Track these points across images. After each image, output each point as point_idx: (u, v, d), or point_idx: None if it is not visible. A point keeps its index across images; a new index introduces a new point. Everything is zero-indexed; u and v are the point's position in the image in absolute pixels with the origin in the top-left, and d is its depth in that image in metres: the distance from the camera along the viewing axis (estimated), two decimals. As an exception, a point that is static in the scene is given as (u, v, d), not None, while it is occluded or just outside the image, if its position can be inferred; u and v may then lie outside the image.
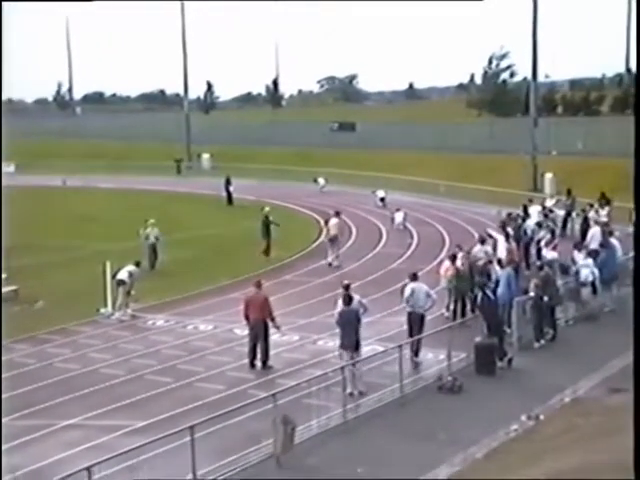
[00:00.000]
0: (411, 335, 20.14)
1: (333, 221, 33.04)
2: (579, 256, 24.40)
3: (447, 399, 17.45)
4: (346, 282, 19.11)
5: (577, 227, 35.23)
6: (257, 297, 20.08)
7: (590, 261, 23.65)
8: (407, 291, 20.47)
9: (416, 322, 20.31)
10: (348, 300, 18.12)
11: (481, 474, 13.39)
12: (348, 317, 17.93)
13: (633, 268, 23.16)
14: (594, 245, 28.50)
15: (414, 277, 20.75)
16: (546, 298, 21.08)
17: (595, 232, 30.16)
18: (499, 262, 23.30)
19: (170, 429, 13.71)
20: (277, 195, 53.59)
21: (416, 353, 19.71)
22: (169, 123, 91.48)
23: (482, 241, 26.38)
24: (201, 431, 13.59)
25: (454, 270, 23.27)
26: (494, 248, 26.43)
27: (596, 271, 23.35)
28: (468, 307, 22.73)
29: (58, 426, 16.21)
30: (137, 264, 25.40)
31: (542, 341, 20.98)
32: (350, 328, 17.82)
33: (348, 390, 16.89)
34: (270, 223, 34.39)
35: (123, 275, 24.73)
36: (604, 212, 33.52)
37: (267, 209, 35.77)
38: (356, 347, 17.82)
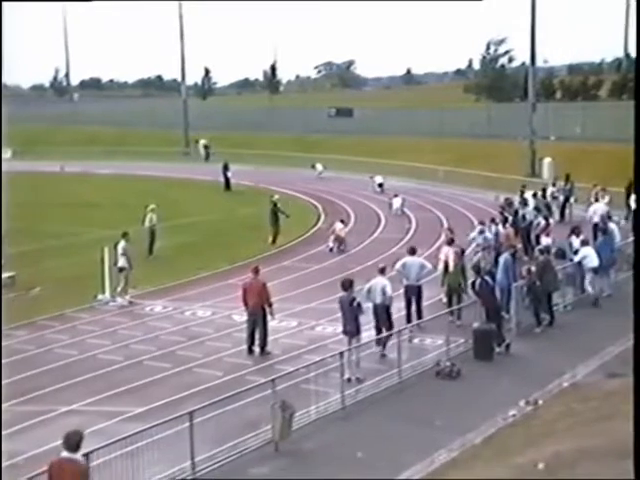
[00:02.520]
0: (409, 308, 21.17)
1: (339, 226, 32.94)
2: (576, 241, 24.44)
3: (445, 385, 17.48)
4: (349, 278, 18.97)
5: (576, 212, 35.25)
6: (255, 283, 20.08)
7: (590, 248, 23.61)
8: (398, 264, 21.54)
9: (413, 294, 21.15)
10: (347, 286, 18.07)
11: (479, 459, 13.43)
12: (347, 303, 17.91)
13: (633, 253, 23.22)
14: (596, 219, 29.36)
15: (412, 251, 22.02)
16: (538, 283, 21.10)
17: (597, 208, 30.94)
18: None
19: (169, 415, 13.75)
20: (275, 181, 53.53)
21: (419, 316, 21.13)
22: (167, 109, 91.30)
23: (481, 231, 26.40)
24: (200, 417, 13.61)
25: (455, 256, 23.09)
26: (496, 234, 26.43)
27: (595, 258, 23.30)
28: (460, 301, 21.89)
29: (57, 412, 16.23)
30: (124, 235, 25.35)
31: (539, 327, 21.01)
32: (350, 314, 17.83)
33: (346, 376, 16.92)
34: (278, 211, 34.22)
35: (122, 262, 24.76)
36: (604, 201, 33.12)
37: (276, 197, 35.55)
38: (356, 333, 17.83)
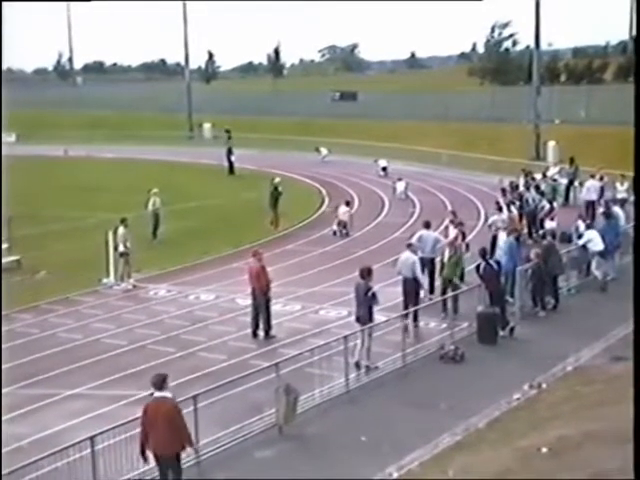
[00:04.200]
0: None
1: (343, 209, 32.79)
2: (583, 226, 24.39)
3: (449, 368, 17.48)
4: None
5: (580, 196, 35.20)
6: (255, 266, 20.07)
7: (594, 232, 23.55)
8: (415, 237, 22.59)
9: (427, 265, 22.07)
10: (365, 274, 17.75)
11: (483, 443, 13.44)
12: (363, 292, 17.72)
13: (633, 237, 23.15)
14: (589, 197, 31.74)
15: (427, 225, 23.25)
16: (543, 266, 21.05)
17: (590, 185, 32.59)
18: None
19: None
20: (279, 165, 53.45)
21: (431, 289, 21.88)
22: (170, 93, 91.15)
23: (499, 209, 26.42)
24: (204, 401, 13.63)
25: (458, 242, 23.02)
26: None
27: (600, 242, 23.24)
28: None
29: (62, 395, 16.27)
30: (122, 221, 25.27)
31: (543, 311, 20.97)
32: (364, 303, 17.65)
33: (355, 359, 16.89)
34: (279, 195, 34.03)
35: (122, 247, 24.76)
36: (623, 188, 32.87)
37: (277, 180, 35.40)
38: (369, 321, 17.63)
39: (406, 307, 19.62)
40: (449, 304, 19.89)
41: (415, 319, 19.57)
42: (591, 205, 32.10)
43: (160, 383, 11.89)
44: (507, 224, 25.15)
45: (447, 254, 21.62)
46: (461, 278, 21.28)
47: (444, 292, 20.96)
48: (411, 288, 19.95)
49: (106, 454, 12.18)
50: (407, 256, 20.22)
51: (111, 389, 16.58)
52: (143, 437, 11.80)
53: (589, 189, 33.02)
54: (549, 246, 21.79)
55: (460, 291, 20.38)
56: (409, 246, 20.57)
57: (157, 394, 11.88)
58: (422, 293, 20.54)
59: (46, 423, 14.90)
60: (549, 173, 37.27)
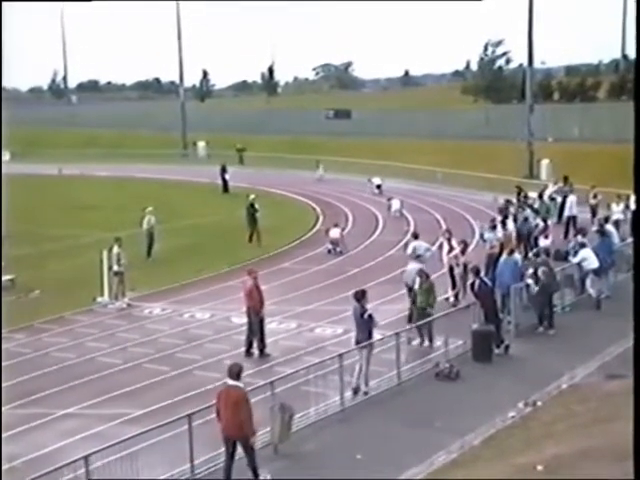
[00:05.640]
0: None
1: (333, 231, 32.86)
2: (577, 243, 24.44)
3: (444, 386, 17.47)
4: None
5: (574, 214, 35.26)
6: (249, 285, 20.06)
7: (589, 250, 23.60)
8: (409, 248, 24.11)
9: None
10: (359, 297, 17.64)
11: (479, 460, 13.42)
12: (359, 315, 17.62)
13: (633, 254, 23.19)
14: (568, 213, 33.18)
15: (416, 236, 24.94)
16: (535, 286, 21.11)
17: (572, 200, 33.98)
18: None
19: (168, 418, 13.72)
20: (273, 183, 53.53)
21: None
22: (165, 111, 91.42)
23: (493, 227, 26.42)
24: (199, 419, 13.60)
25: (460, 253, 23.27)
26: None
27: (595, 260, 23.28)
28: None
29: (56, 415, 16.20)
30: (117, 240, 25.16)
31: (552, 329, 20.93)
32: (362, 325, 17.45)
33: (354, 385, 16.85)
34: (256, 211, 34.38)
35: (116, 266, 24.69)
36: (619, 208, 32.73)
37: (252, 196, 35.73)
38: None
39: (411, 317, 20.33)
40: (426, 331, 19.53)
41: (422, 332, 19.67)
42: (572, 220, 32.88)
43: (235, 373, 13.03)
44: (501, 241, 25.21)
45: (418, 282, 20.48)
46: (431, 306, 20.24)
47: (415, 320, 19.99)
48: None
49: (100, 473, 12.11)
50: (413, 267, 21.18)
51: (105, 408, 16.51)
52: (219, 420, 13.06)
53: (572, 205, 33.88)
54: (544, 264, 21.80)
55: (431, 318, 19.72)
56: (417, 257, 22.07)
57: (230, 382, 12.99)
58: (449, 292, 22.36)
59: (40, 442, 14.83)
60: (547, 191, 37.26)
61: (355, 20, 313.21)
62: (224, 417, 12.95)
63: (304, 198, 48.77)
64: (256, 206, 34.57)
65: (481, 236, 26.12)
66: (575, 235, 25.23)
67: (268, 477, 13.33)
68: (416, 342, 19.60)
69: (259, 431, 14.41)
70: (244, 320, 20.25)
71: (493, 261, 23.84)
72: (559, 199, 37.06)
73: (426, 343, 19.58)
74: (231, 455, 13.07)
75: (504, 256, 22.36)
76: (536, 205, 32.79)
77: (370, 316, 17.51)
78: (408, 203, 43.79)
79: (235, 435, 12.98)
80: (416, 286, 20.57)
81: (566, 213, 33.91)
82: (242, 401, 12.86)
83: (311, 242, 34.70)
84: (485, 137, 61.04)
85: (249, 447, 13.04)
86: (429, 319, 19.66)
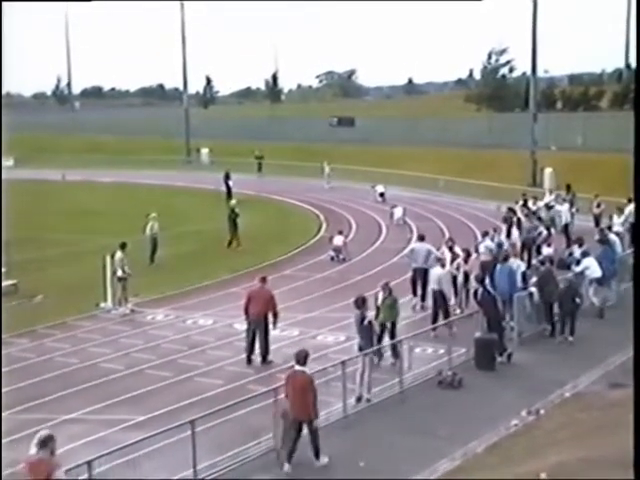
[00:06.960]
0: (414, 287, 24.06)
1: (337, 238, 32.87)
2: (578, 252, 24.44)
3: (447, 394, 17.46)
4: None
5: (577, 222, 35.30)
6: (261, 292, 20.04)
7: (592, 259, 23.57)
8: (408, 249, 25.05)
9: (420, 276, 23.86)
10: (360, 304, 17.67)
11: (482, 469, 13.40)
12: (359, 322, 17.61)
13: (633, 263, 23.20)
14: (564, 221, 33.63)
15: (421, 238, 25.09)
16: (537, 295, 21.16)
17: (563, 209, 34.49)
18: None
19: (170, 423, 13.73)
20: (276, 190, 53.54)
21: (422, 298, 23.70)
22: (168, 117, 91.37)
23: (485, 234, 26.39)
24: (201, 425, 13.59)
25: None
26: (498, 245, 26.36)
27: (598, 269, 23.26)
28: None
29: (58, 420, 16.17)
30: (122, 246, 25.19)
31: (571, 336, 20.94)
32: (363, 332, 17.48)
33: (357, 393, 16.84)
34: (237, 216, 34.87)
35: (120, 271, 24.70)
36: (620, 220, 32.61)
37: (234, 202, 36.25)
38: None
39: (435, 318, 21.32)
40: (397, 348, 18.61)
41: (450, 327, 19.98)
42: (564, 228, 33.33)
43: (303, 359, 14.07)
44: (504, 250, 25.18)
45: (381, 297, 19.67)
46: (394, 321, 19.58)
47: (378, 336, 18.89)
48: (441, 301, 21.53)
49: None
50: (436, 270, 22.00)
51: (108, 414, 16.52)
52: (286, 402, 14.03)
53: (561, 214, 34.28)
54: (546, 273, 21.81)
55: (413, 334, 19.34)
56: (438, 260, 22.78)
57: (297, 367, 14.05)
58: (452, 300, 22.58)
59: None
60: (544, 200, 37.28)
61: (358, 28, 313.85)
62: (291, 400, 13.93)
63: (308, 205, 48.75)
64: (236, 211, 35.15)
65: (475, 247, 25.88)
66: (568, 245, 25.18)
67: (326, 460, 14.12)
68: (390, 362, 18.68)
69: (262, 437, 14.47)
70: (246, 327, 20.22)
71: (488, 269, 23.74)
72: (557, 207, 37.08)
73: (397, 361, 18.26)
74: (297, 434, 13.94)
75: (499, 264, 22.30)
76: (542, 214, 32.78)
77: (370, 323, 17.55)
78: (411, 211, 43.79)
79: (301, 417, 13.90)
80: (379, 301, 19.60)
81: (562, 221, 33.94)
82: (308, 385, 13.85)
83: (314, 249, 34.70)
84: (488, 145, 61.02)
85: (313, 428, 13.92)
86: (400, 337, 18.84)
